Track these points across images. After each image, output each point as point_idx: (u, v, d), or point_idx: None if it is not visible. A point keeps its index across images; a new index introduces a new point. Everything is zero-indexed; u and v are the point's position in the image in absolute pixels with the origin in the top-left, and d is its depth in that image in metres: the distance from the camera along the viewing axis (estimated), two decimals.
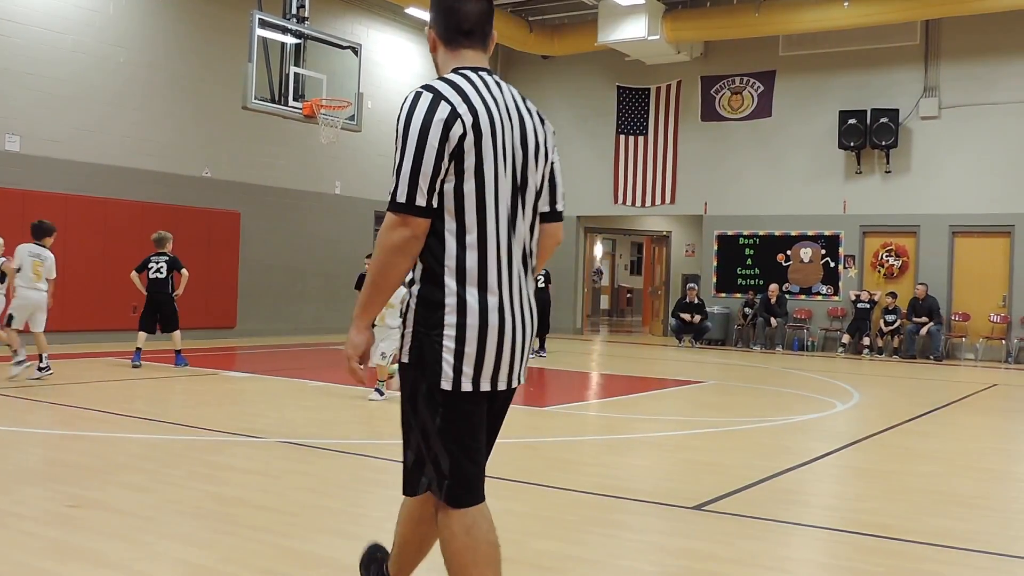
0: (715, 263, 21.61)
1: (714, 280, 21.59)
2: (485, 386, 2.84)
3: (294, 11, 13.68)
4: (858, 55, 19.94)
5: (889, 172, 19.58)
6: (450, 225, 2.80)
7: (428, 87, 2.86)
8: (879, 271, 19.84)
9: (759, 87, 21.04)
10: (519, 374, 2.96)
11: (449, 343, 2.79)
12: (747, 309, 20.57)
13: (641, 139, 22.39)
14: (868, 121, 19.35)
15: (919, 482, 6.59)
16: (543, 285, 16.16)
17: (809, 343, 20.18)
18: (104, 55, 15.47)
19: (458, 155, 2.76)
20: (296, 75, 13.52)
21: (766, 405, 10.88)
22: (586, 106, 23.04)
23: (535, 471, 6.49)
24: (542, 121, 3.03)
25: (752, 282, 21.04)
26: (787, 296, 20.41)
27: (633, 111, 22.46)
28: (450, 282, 2.79)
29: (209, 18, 16.97)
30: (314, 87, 13.80)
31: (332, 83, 13.98)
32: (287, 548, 4.42)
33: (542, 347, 16.17)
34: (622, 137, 22.58)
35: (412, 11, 18.92)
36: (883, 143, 19.21)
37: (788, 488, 6.25)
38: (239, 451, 6.94)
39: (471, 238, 2.80)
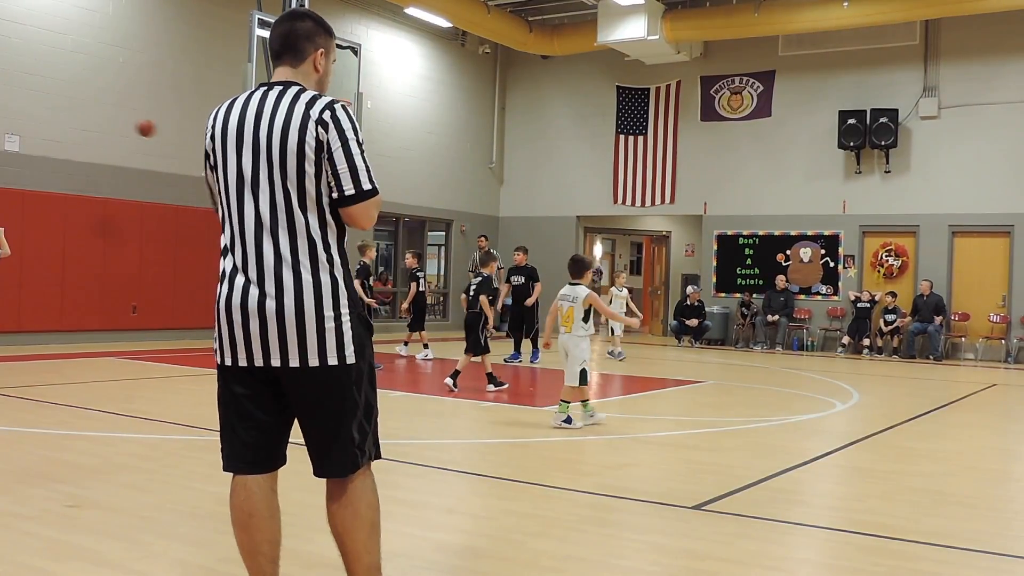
0: (715, 263, 21.61)
1: (714, 280, 21.60)
2: (227, 360, 3.15)
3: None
4: (858, 55, 19.95)
5: (889, 172, 19.59)
6: None
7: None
8: (879, 271, 19.85)
9: (759, 87, 21.05)
10: (279, 355, 3.06)
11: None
12: (744, 309, 20.60)
13: (641, 139, 22.39)
14: (868, 121, 19.35)
15: (919, 482, 6.59)
16: (520, 282, 14.69)
17: (809, 343, 20.19)
18: (104, 55, 15.47)
19: (210, 157, 3.21)
20: None
21: (766, 405, 10.88)
22: (586, 106, 23.05)
23: (535, 471, 6.50)
24: (306, 115, 3.09)
25: (752, 282, 21.05)
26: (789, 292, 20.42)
27: (633, 111, 22.46)
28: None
29: (209, 18, 16.97)
30: None
31: (331, 83, 13.94)
32: (286, 548, 4.40)
33: (516, 351, 14.79)
34: (622, 137, 22.58)
35: (412, 11, 18.92)
36: (883, 143, 19.21)
37: (788, 488, 6.25)
38: None
39: (223, 231, 3.17)
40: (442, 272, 23.67)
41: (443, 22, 20.16)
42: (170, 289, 16.21)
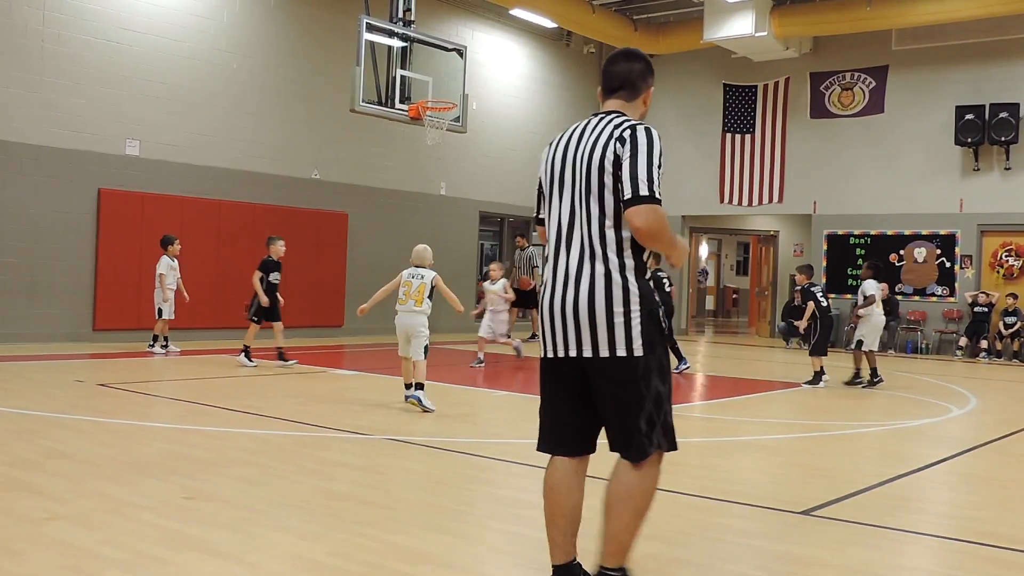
0: (824, 263, 21.15)
1: (823, 281, 21.12)
2: (548, 352, 3.68)
3: (400, 15, 13.88)
4: (975, 48, 19.27)
5: (1009, 169, 18.87)
6: None
7: None
8: (998, 271, 19.15)
9: (871, 83, 20.51)
10: (577, 346, 3.56)
11: None
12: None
13: (748, 137, 22.06)
14: (986, 116, 18.68)
15: None
16: (666, 287, 13.29)
17: (923, 346, 19.59)
18: (218, 61, 15.95)
19: (542, 175, 3.82)
20: (402, 78, 13.71)
21: (877, 409, 10.61)
22: (692, 104, 22.80)
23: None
24: (611, 135, 3.56)
25: None
26: (899, 299, 19.84)
27: (740, 109, 22.14)
28: None
29: (318, 23, 17.35)
30: (420, 89, 13.98)
31: (437, 85, 14.14)
32: (393, 543, 4.49)
33: (679, 359, 13.82)
34: (728, 135, 22.28)
35: (517, 12, 18.99)
36: (1002, 139, 18.53)
37: (901, 495, 6.08)
38: (347, 447, 7.07)
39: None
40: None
41: (548, 22, 20.18)
42: (296, 289, 16.57)
